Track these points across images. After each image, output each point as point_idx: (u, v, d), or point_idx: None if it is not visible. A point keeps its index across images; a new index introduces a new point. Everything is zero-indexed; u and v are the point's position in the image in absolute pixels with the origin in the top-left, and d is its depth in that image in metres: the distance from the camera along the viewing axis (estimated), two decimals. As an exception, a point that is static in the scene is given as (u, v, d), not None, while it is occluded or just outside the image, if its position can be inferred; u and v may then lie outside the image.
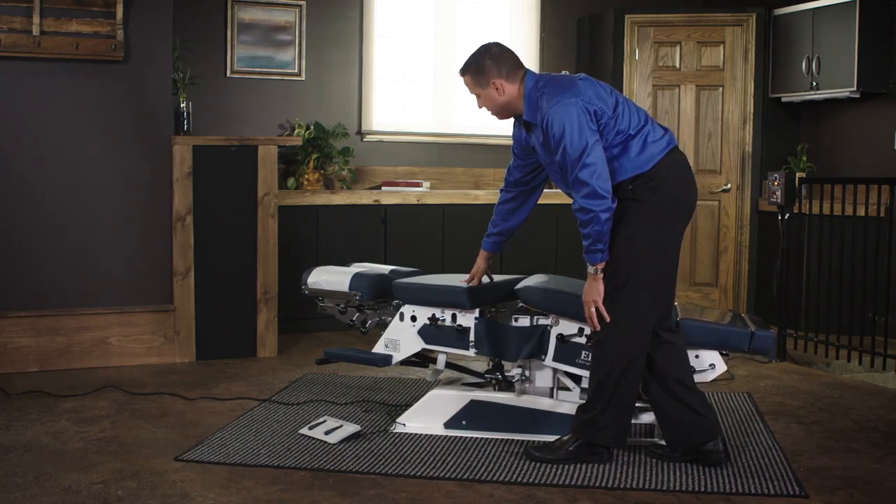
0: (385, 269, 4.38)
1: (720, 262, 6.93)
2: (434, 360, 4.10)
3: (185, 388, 4.63)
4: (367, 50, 6.70)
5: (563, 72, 4.16)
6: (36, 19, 4.86)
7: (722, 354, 3.79)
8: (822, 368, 5.31)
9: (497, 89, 3.57)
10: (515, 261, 6.24)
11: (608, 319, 3.46)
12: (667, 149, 3.49)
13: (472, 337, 3.92)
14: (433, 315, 3.96)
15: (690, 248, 6.94)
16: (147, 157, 5.18)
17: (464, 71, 3.64)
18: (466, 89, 3.68)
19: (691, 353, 3.74)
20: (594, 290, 3.47)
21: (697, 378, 3.75)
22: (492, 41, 3.69)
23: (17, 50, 4.85)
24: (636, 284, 3.45)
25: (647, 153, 3.46)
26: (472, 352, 3.94)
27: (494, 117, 3.71)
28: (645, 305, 3.48)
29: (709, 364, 3.78)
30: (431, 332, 3.98)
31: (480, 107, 3.68)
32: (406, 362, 4.13)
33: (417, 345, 4.02)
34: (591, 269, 3.47)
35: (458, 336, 3.95)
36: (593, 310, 3.47)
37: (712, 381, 4.87)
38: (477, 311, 3.93)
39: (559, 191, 5.01)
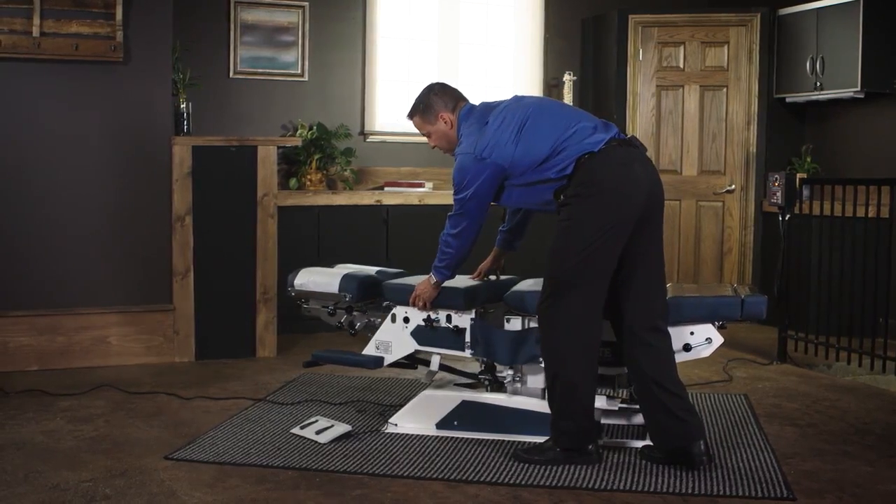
0: (371, 269, 4.37)
1: (724, 263, 6.90)
2: (424, 362, 4.09)
3: (181, 388, 4.65)
4: (370, 51, 6.70)
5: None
6: (36, 20, 4.89)
7: (719, 328, 3.76)
8: (823, 371, 5.27)
9: (446, 122, 3.74)
10: (517, 260, 6.20)
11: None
12: (591, 150, 3.44)
13: (467, 338, 3.91)
14: (428, 316, 3.96)
15: (694, 249, 6.92)
16: (146, 157, 5.21)
17: (412, 113, 3.80)
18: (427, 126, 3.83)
19: (686, 330, 3.72)
20: (428, 293, 3.82)
21: (696, 354, 3.73)
22: (433, 82, 3.87)
23: (17, 51, 4.89)
24: (567, 288, 3.43)
25: (565, 162, 3.46)
26: (468, 353, 3.93)
27: (449, 154, 3.84)
28: (578, 307, 3.43)
29: (705, 339, 3.73)
30: (426, 333, 3.97)
31: (433, 146, 3.84)
32: (394, 364, 4.12)
33: (410, 346, 4.01)
34: (433, 279, 3.78)
35: (453, 337, 3.94)
36: (419, 302, 3.85)
37: (710, 382, 4.92)
38: (473, 311, 3.93)
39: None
